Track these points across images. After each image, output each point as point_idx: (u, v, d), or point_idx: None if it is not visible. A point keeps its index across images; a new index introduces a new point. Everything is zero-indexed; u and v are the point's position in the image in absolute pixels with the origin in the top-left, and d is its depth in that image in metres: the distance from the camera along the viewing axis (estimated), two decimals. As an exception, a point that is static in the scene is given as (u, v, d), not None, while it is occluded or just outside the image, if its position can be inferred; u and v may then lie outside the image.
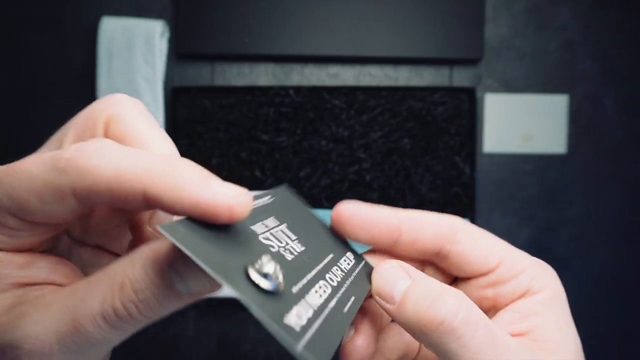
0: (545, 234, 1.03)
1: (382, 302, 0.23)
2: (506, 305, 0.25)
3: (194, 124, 0.98)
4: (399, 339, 0.28)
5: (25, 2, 0.97)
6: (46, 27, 0.97)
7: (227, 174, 0.99)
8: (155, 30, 0.94)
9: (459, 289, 0.26)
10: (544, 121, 1.02)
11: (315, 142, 0.99)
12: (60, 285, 0.20)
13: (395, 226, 0.25)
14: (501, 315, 0.25)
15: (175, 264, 0.18)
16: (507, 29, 1.02)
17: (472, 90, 0.99)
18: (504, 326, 0.24)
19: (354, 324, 0.25)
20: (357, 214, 0.25)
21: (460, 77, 1.01)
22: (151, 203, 0.18)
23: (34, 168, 0.18)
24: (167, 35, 0.97)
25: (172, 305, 0.19)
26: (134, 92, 0.93)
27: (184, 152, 0.98)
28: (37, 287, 0.19)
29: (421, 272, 0.24)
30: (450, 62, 1.01)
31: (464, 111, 1.00)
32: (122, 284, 0.18)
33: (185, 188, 0.17)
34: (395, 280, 0.23)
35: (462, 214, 0.98)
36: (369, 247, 0.27)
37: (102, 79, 0.93)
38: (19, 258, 0.19)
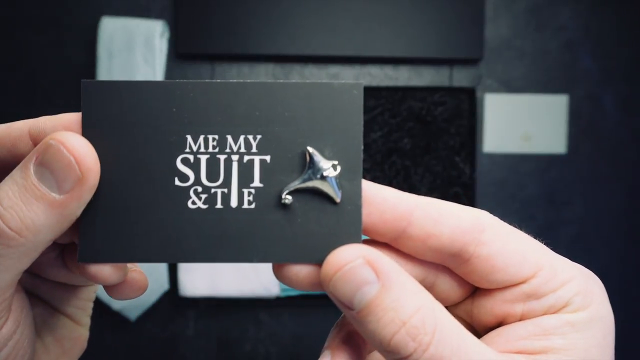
0: (545, 234, 1.03)
1: (338, 303, 0.19)
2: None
3: (194, 124, 0.98)
4: None
5: (25, 2, 0.97)
6: (46, 27, 0.97)
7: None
8: (155, 30, 0.94)
9: (479, 302, 0.21)
10: (544, 121, 1.02)
11: (315, 142, 0.99)
12: None
13: (402, 213, 0.19)
14: (513, 328, 0.20)
15: (39, 157, 0.18)
16: (507, 29, 1.02)
17: (472, 90, 0.99)
18: (510, 339, 0.19)
19: (331, 349, 0.21)
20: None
21: (460, 77, 1.01)
22: (36, 140, 0.19)
23: None
24: (167, 35, 0.97)
25: (45, 214, 0.18)
26: (134, 92, 0.94)
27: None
28: None
29: (395, 266, 0.18)
30: (450, 62, 1.01)
31: (464, 111, 1.00)
32: None
33: (64, 118, 0.20)
34: (358, 283, 0.18)
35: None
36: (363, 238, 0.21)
37: (102, 79, 0.93)
38: None
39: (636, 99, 1.03)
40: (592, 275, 0.21)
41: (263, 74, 1.00)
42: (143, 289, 0.22)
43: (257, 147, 0.19)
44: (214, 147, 0.19)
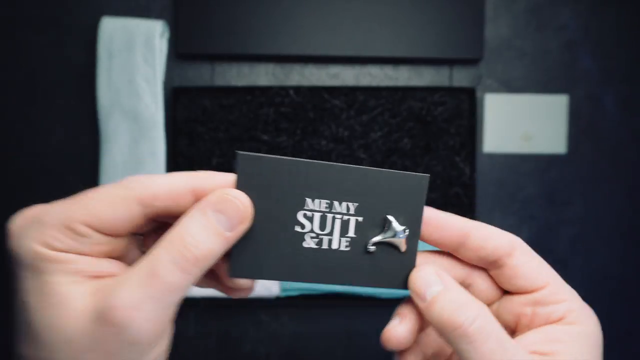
0: (545, 234, 1.03)
1: (416, 298, 0.28)
2: (539, 326, 0.28)
3: (194, 124, 0.98)
4: (435, 338, 0.32)
5: (25, 2, 0.97)
6: (46, 27, 0.97)
7: (227, 174, 0.98)
8: (155, 30, 0.94)
9: (504, 303, 0.31)
10: (544, 121, 1.02)
11: (315, 142, 0.99)
12: None
13: (465, 232, 0.29)
14: (528, 334, 0.28)
15: (216, 206, 0.25)
16: (507, 29, 1.02)
17: (472, 90, 0.99)
18: (527, 344, 0.27)
19: (401, 314, 0.30)
20: (433, 218, 0.29)
21: (460, 77, 1.01)
22: (198, 194, 0.26)
23: (107, 188, 0.25)
24: (167, 35, 0.97)
25: (220, 245, 0.25)
26: (134, 92, 0.93)
27: (184, 152, 0.98)
28: (107, 278, 0.25)
29: (454, 282, 0.28)
30: (450, 62, 1.01)
31: (464, 111, 1.00)
32: (182, 234, 0.24)
33: (222, 180, 0.26)
34: (429, 284, 0.28)
35: (463, 214, 0.98)
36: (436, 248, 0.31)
37: (102, 79, 0.93)
38: (88, 259, 0.25)
39: (636, 99, 1.03)
40: (589, 308, 0.29)
41: (263, 73, 1.00)
42: (252, 289, 0.31)
43: (354, 211, 0.28)
44: (325, 208, 0.28)
